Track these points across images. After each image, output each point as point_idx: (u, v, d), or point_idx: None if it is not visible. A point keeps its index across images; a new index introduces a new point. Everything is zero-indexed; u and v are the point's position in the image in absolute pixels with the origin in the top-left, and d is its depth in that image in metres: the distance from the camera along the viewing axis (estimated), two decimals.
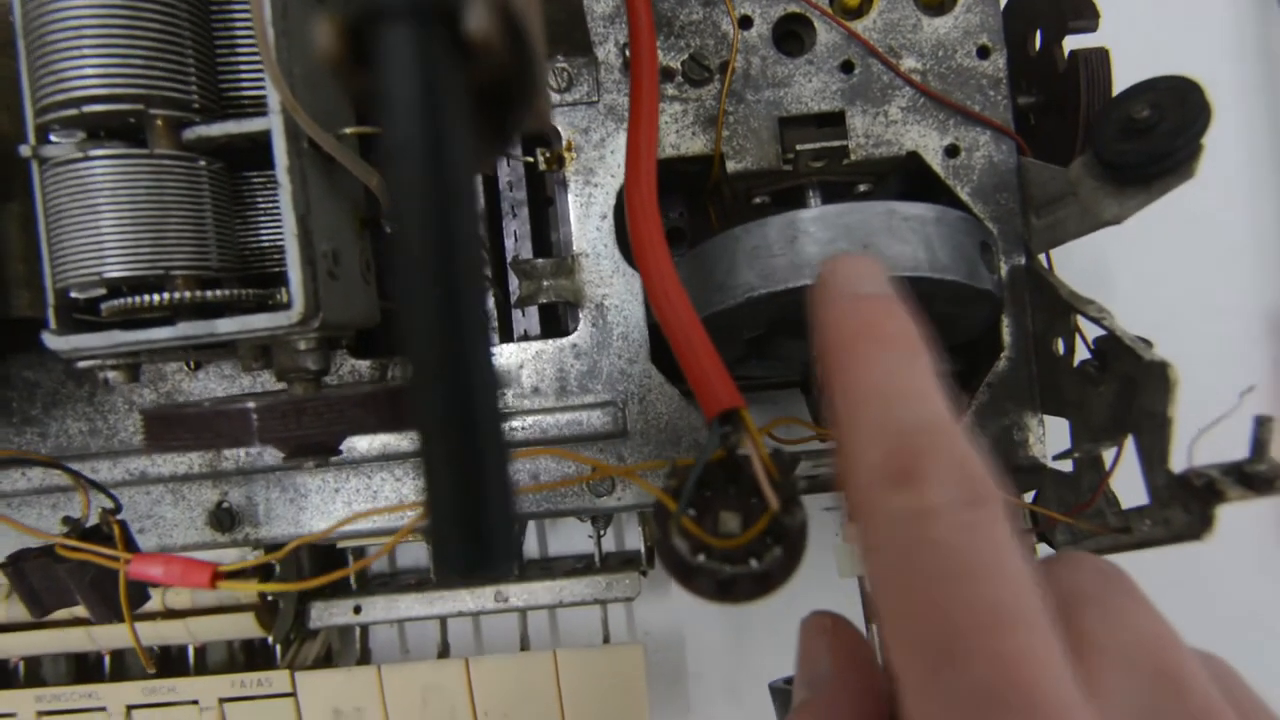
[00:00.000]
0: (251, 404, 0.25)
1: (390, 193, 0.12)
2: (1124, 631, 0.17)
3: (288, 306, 0.26)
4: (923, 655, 0.14)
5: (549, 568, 0.45)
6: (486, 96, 0.13)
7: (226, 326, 0.26)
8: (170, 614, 0.41)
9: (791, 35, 0.35)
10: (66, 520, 0.30)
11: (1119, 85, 0.30)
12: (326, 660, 0.45)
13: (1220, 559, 0.48)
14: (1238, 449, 0.28)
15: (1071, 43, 0.34)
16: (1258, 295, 0.49)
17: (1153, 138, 0.27)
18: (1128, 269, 0.48)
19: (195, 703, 0.42)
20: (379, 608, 0.43)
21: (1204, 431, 0.25)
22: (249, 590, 0.32)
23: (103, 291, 0.27)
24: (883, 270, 0.19)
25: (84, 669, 0.45)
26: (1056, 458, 0.33)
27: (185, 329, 0.26)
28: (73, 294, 0.27)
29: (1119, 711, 0.15)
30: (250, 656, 0.45)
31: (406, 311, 0.12)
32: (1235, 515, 0.47)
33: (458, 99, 0.12)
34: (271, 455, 0.34)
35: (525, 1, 0.13)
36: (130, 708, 0.42)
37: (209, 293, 0.27)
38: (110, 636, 0.42)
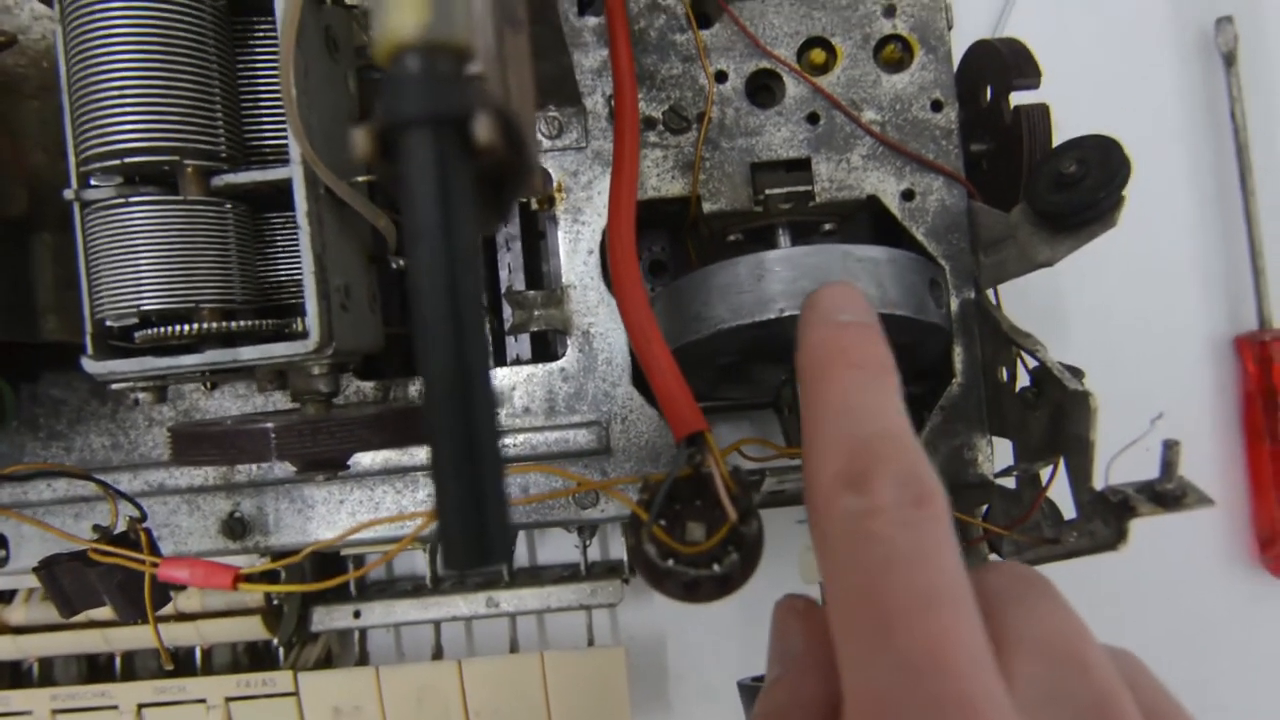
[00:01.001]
0: (271, 424, 0.28)
1: (410, 262, 0.15)
2: (1038, 626, 0.19)
3: (304, 335, 0.29)
4: (860, 633, 0.16)
5: (537, 575, 0.47)
6: (488, 182, 0.17)
7: (249, 354, 0.29)
8: (182, 617, 0.44)
9: (763, 89, 0.38)
10: (96, 528, 0.33)
11: (1071, 132, 0.34)
12: (326, 662, 0.48)
13: (1184, 572, 0.52)
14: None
15: (1018, 98, 0.37)
16: (1202, 324, 0.52)
17: (1079, 190, 0.31)
18: (1081, 299, 0.52)
19: (203, 701, 0.44)
20: (377, 612, 0.46)
21: (1118, 455, 0.29)
22: (266, 591, 0.35)
23: (136, 321, 0.30)
24: (863, 299, 0.21)
25: (95, 670, 0.48)
26: (998, 475, 0.36)
27: (212, 356, 0.29)
28: (108, 323, 0.30)
29: (1029, 693, 0.17)
30: (254, 659, 0.47)
31: (424, 354, 0.15)
32: (1199, 528, 0.50)
33: (465, 188, 0.15)
34: (282, 469, 0.37)
35: (522, 107, 0.16)
36: (141, 706, 0.44)
37: (232, 323, 0.30)
38: (124, 638, 0.44)
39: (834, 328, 0.20)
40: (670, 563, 0.24)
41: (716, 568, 0.24)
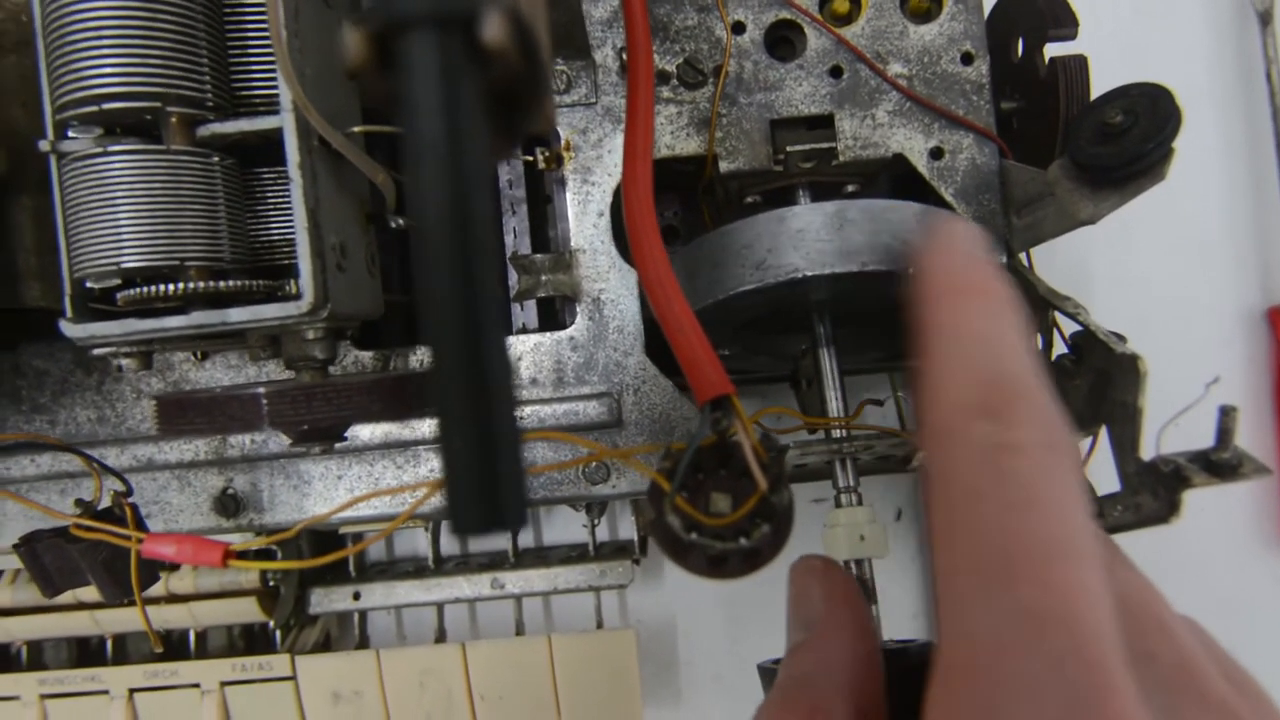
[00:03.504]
0: (262, 389, 0.26)
1: (413, 183, 0.13)
2: (1117, 585, 0.18)
3: (297, 297, 0.27)
4: (978, 574, 0.15)
5: (544, 556, 0.46)
6: (499, 99, 0.15)
7: (238, 315, 0.27)
8: (174, 598, 0.42)
9: (783, 41, 0.36)
10: (79, 503, 0.31)
11: (1099, 91, 0.32)
12: (325, 646, 0.46)
13: (1211, 551, 0.50)
14: (1205, 438, 0.29)
15: (1052, 50, 0.35)
16: (1233, 294, 0.50)
17: (1125, 141, 0.29)
18: (1108, 269, 0.50)
19: (197, 686, 0.43)
20: (377, 594, 0.44)
21: (1170, 421, 0.27)
22: (257, 568, 0.33)
23: (118, 282, 0.28)
24: (989, 242, 0.20)
25: (85, 653, 0.46)
26: None
27: (199, 318, 0.27)
28: (89, 284, 0.28)
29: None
30: (250, 642, 0.46)
31: (430, 293, 0.13)
32: (1227, 506, 0.49)
33: (474, 100, 0.14)
34: (276, 443, 0.35)
35: (535, 14, 0.14)
36: (133, 691, 0.43)
37: (221, 283, 0.28)
38: (114, 620, 0.42)
39: (970, 257, 0.19)
40: (694, 536, 0.22)
41: (744, 541, 0.22)
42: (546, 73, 0.15)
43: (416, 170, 0.13)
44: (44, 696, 0.43)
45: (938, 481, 0.17)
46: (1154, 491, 0.27)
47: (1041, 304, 0.33)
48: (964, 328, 0.18)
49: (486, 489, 0.13)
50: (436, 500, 0.35)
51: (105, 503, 0.31)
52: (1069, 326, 0.33)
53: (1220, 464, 0.26)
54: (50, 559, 0.30)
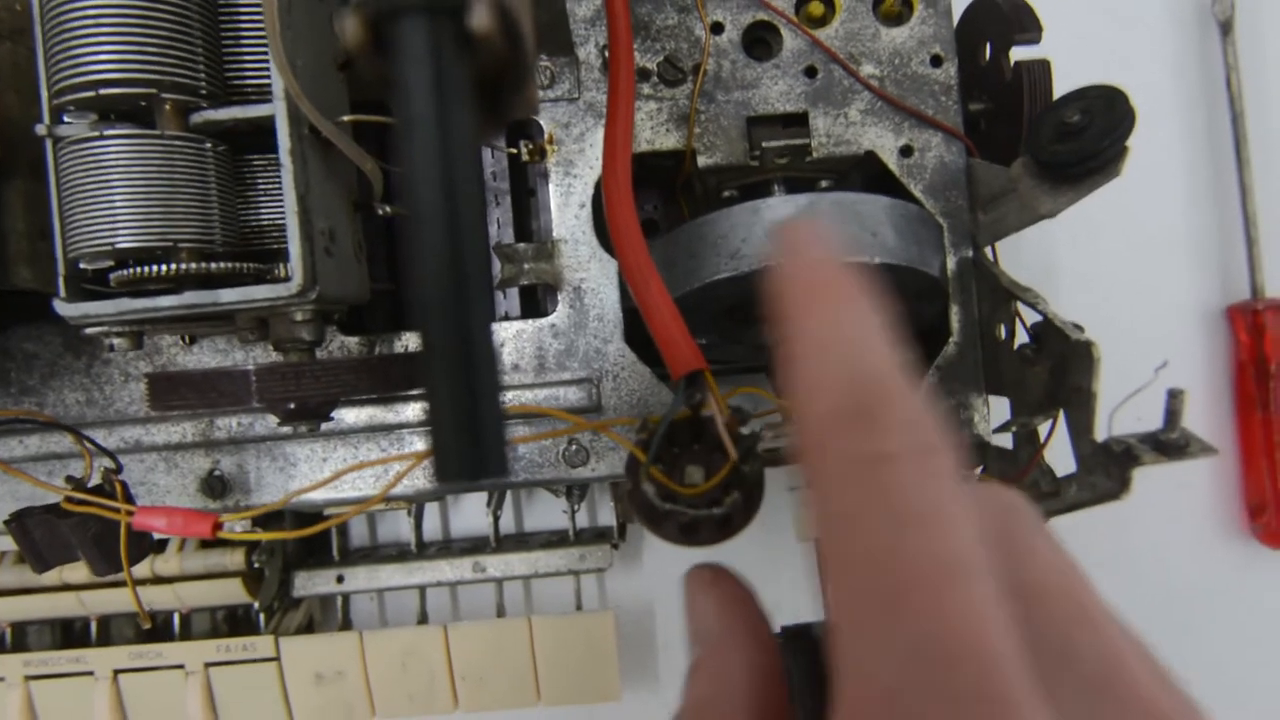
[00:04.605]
0: (251, 365, 0.27)
1: (404, 154, 0.14)
2: (1034, 567, 0.17)
3: (286, 280, 0.28)
4: (868, 604, 0.14)
5: (525, 541, 0.47)
6: (485, 83, 0.16)
7: (230, 296, 0.28)
8: (159, 580, 0.43)
9: (760, 41, 0.37)
10: (70, 479, 0.31)
11: (1062, 94, 0.33)
12: (308, 629, 0.47)
13: (1174, 542, 0.52)
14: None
15: (1018, 54, 0.37)
16: (1194, 293, 0.52)
17: (1082, 140, 0.30)
18: (1073, 268, 0.52)
19: (181, 667, 0.43)
20: (360, 577, 0.45)
21: (1120, 404, 0.28)
22: (247, 539, 0.34)
23: (111, 263, 0.29)
24: (835, 238, 0.19)
25: (70, 636, 0.47)
26: (996, 430, 0.35)
27: (190, 298, 0.28)
28: (82, 264, 0.29)
29: (1038, 652, 0.15)
30: (234, 625, 0.46)
31: (416, 253, 0.14)
32: (1190, 497, 0.50)
33: (462, 81, 0.15)
34: (263, 425, 0.36)
35: (520, 4, 0.15)
36: (117, 672, 0.43)
37: (212, 265, 0.28)
38: (99, 601, 0.43)
39: (817, 260, 0.18)
40: (669, 505, 0.23)
41: (716, 510, 0.23)
42: (530, 60, 0.16)
43: (409, 142, 0.14)
44: (29, 678, 0.44)
45: (818, 506, 0.15)
46: (1107, 471, 0.29)
47: (1004, 295, 0.34)
48: (821, 332, 0.16)
49: (470, 440, 0.14)
50: (419, 481, 0.36)
51: (95, 480, 0.32)
52: (1031, 319, 0.34)
53: (1168, 444, 0.28)
54: (41, 534, 0.31)
